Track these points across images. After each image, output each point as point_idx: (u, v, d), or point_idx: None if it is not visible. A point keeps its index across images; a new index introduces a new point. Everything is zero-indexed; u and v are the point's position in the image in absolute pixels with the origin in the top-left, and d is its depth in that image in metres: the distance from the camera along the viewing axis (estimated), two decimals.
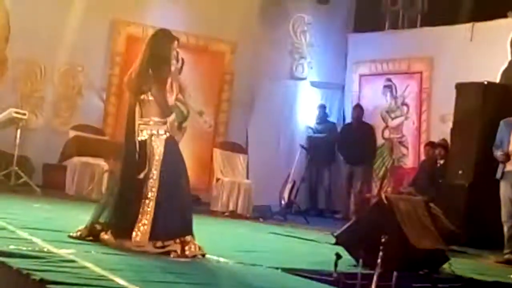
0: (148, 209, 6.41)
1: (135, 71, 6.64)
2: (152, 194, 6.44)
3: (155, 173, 6.48)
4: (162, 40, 6.72)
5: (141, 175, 6.49)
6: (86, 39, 13.45)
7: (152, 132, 6.54)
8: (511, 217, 9.41)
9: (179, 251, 6.36)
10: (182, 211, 6.56)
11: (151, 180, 6.47)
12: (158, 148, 6.52)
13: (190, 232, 6.50)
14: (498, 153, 9.52)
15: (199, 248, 6.50)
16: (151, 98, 6.57)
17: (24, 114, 12.02)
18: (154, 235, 6.37)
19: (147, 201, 6.43)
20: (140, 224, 6.38)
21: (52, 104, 13.62)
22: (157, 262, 5.91)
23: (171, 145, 6.59)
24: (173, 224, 6.47)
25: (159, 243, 6.38)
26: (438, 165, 12.49)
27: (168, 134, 6.58)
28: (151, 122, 6.56)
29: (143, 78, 6.56)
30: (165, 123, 6.59)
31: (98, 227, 6.63)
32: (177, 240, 6.41)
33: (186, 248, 6.39)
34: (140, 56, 6.67)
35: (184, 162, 6.72)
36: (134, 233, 6.36)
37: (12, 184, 11.71)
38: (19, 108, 12.38)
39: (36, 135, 13.09)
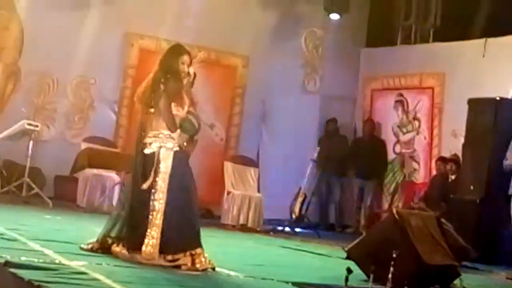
0: (157, 222, 6.42)
1: (147, 84, 6.69)
2: (160, 206, 6.45)
3: (163, 185, 6.48)
4: (172, 54, 6.75)
5: (144, 186, 6.49)
6: (99, 51, 13.50)
7: (161, 145, 6.55)
8: None
9: (189, 264, 6.37)
10: (191, 224, 6.56)
11: (159, 193, 6.47)
12: (166, 161, 6.53)
13: (199, 244, 6.50)
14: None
15: (209, 261, 6.50)
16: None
17: (37, 126, 12.07)
18: (164, 248, 6.38)
19: (154, 213, 6.44)
20: (149, 237, 6.38)
21: (64, 116, 13.67)
22: (168, 275, 5.91)
23: (179, 158, 6.59)
24: (183, 237, 6.47)
25: (169, 257, 6.38)
26: (450, 180, 12.47)
27: (177, 147, 6.58)
28: (161, 135, 6.57)
29: (154, 91, 6.59)
30: (173, 136, 6.60)
31: (109, 240, 6.64)
32: (187, 253, 6.41)
33: (197, 261, 6.40)
34: (152, 71, 6.73)
35: (192, 175, 6.72)
36: (144, 246, 6.37)
37: (23, 195, 11.74)
38: (32, 119, 12.43)
39: (48, 146, 13.14)
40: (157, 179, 6.48)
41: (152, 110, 6.60)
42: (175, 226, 6.45)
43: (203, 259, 6.42)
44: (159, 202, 6.45)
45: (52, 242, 6.89)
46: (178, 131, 6.64)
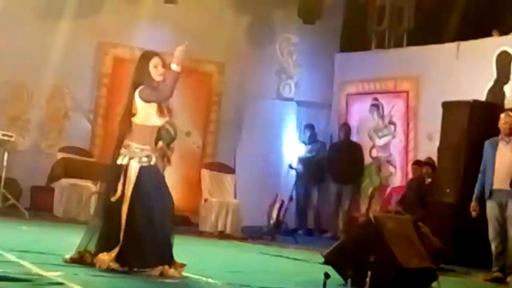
0: (120, 236, 6.39)
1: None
2: (123, 220, 6.42)
3: (128, 199, 6.44)
4: (141, 63, 6.71)
5: (112, 199, 6.46)
6: (73, 60, 13.45)
7: (130, 157, 6.52)
8: (499, 235, 9.44)
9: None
10: (158, 241, 6.49)
11: (124, 206, 6.44)
12: (133, 174, 6.49)
13: (168, 261, 6.45)
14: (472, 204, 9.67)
15: (177, 270, 6.46)
16: (138, 122, 6.56)
17: (11, 137, 12.00)
18: (120, 259, 6.32)
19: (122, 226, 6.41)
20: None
21: (39, 126, 13.60)
22: (146, 284, 5.90)
23: (147, 172, 6.53)
24: (145, 254, 6.40)
25: (126, 268, 6.33)
26: (426, 183, 12.51)
27: (146, 161, 6.52)
28: (130, 148, 6.54)
29: (131, 102, 6.57)
30: (143, 150, 6.54)
31: (89, 258, 6.54)
32: (153, 270, 6.36)
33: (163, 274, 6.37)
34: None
35: (167, 190, 6.65)
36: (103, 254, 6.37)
37: None
38: (6, 130, 12.35)
39: (23, 157, 13.05)
40: (125, 192, 6.45)
41: (133, 118, 6.55)
42: (135, 242, 6.38)
43: (169, 273, 6.37)
44: (124, 217, 6.40)
45: (28, 253, 6.86)
46: (160, 143, 6.62)
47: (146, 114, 6.56)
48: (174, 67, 6.52)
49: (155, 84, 6.62)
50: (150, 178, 6.53)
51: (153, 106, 6.57)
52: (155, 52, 6.77)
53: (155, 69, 6.64)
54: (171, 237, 6.58)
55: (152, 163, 6.56)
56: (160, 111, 6.62)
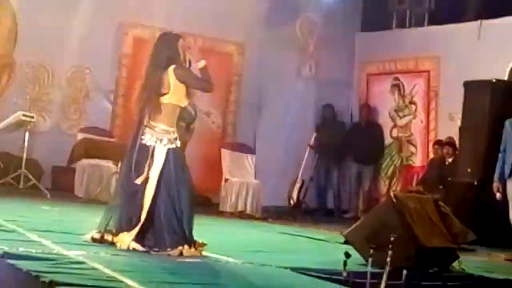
0: (142, 217, 6.42)
1: (145, 74, 6.64)
2: (147, 202, 6.44)
3: (153, 182, 6.46)
4: (166, 42, 6.69)
5: (138, 181, 6.47)
6: (94, 41, 13.44)
7: (157, 138, 6.52)
8: None
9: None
10: (179, 222, 6.50)
11: (149, 188, 6.45)
12: (160, 156, 6.49)
13: (188, 241, 6.48)
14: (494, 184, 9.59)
15: (197, 249, 6.50)
16: (169, 102, 6.55)
17: (32, 117, 12.05)
18: (140, 239, 6.36)
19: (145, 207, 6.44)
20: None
21: (60, 106, 13.64)
22: (166, 264, 5.91)
23: (173, 154, 6.54)
24: (166, 234, 6.43)
25: (147, 248, 6.37)
26: (447, 163, 12.47)
27: (171, 144, 6.52)
28: (156, 129, 6.53)
29: (159, 81, 6.55)
30: (170, 132, 6.54)
31: (110, 237, 6.58)
32: (173, 249, 6.39)
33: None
34: (148, 61, 6.68)
35: (188, 172, 6.67)
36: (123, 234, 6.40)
37: (21, 187, 11.74)
38: (27, 111, 12.40)
39: (44, 137, 13.10)
40: (150, 174, 6.46)
41: (163, 98, 6.53)
42: (156, 223, 6.42)
43: (190, 253, 6.40)
44: (148, 198, 6.43)
45: (50, 233, 6.90)
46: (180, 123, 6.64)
47: (179, 94, 6.57)
48: (203, 62, 6.58)
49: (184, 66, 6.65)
50: (175, 160, 6.55)
51: (184, 87, 6.59)
52: (179, 35, 6.77)
53: (181, 50, 6.65)
54: (191, 217, 6.60)
55: (178, 145, 6.58)
56: (188, 93, 6.66)
